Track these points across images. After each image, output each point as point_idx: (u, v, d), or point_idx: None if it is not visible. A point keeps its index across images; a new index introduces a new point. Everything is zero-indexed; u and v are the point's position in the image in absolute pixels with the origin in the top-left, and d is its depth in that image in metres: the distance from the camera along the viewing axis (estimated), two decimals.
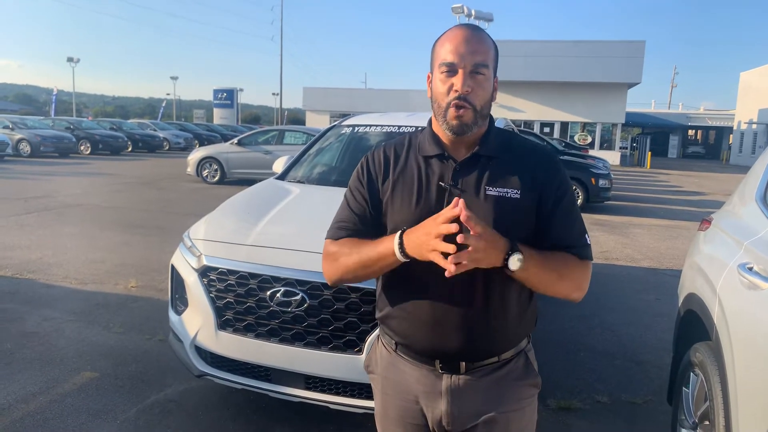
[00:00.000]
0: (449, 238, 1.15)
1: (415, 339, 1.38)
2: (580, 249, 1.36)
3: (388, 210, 1.39)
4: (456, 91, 1.28)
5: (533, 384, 1.46)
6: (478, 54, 1.28)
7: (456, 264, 1.14)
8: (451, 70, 1.29)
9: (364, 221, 1.41)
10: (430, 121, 1.44)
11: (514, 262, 1.21)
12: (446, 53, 1.30)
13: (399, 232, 1.29)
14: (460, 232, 1.15)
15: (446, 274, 1.15)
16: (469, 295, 1.32)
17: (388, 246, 1.29)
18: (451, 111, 1.30)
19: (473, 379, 1.38)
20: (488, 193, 1.32)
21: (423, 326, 1.36)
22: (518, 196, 1.32)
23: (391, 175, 1.41)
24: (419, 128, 1.51)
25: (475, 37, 1.30)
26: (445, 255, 1.17)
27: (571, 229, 1.37)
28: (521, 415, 1.43)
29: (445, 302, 1.33)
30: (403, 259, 1.27)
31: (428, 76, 1.38)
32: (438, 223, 1.19)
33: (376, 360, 1.53)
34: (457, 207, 1.16)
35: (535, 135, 16.12)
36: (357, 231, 1.40)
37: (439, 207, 1.29)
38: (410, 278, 1.34)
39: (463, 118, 1.30)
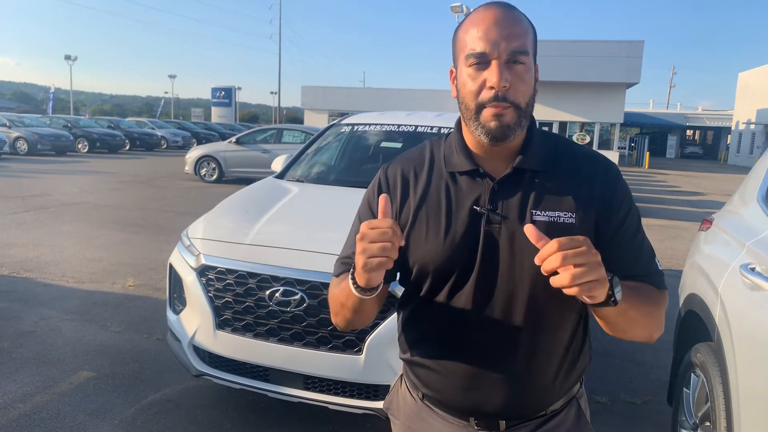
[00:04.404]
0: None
1: (447, 395, 1.15)
2: (654, 278, 1.10)
3: (411, 245, 1.10)
4: (492, 88, 1.00)
5: None
6: (514, 38, 0.99)
7: (577, 285, 0.85)
8: (482, 61, 1.00)
9: None
10: (458, 126, 1.15)
11: (619, 293, 0.92)
12: (474, 41, 1.01)
13: None
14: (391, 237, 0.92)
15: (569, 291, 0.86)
16: (512, 344, 1.08)
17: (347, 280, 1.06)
18: (487, 111, 1.01)
19: None
20: (536, 218, 1.04)
21: (457, 382, 1.12)
22: (573, 221, 1.04)
23: (411, 200, 1.12)
24: (442, 129, 1.22)
25: (509, 17, 1.01)
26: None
27: (640, 254, 1.10)
28: None
29: (483, 354, 1.09)
30: (359, 294, 1.02)
31: (451, 71, 1.10)
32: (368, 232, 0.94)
33: (398, 404, 1.28)
34: (385, 213, 0.96)
35: None
36: None
37: (473, 239, 1.06)
38: (440, 320, 1.11)
39: (503, 118, 1.01)
